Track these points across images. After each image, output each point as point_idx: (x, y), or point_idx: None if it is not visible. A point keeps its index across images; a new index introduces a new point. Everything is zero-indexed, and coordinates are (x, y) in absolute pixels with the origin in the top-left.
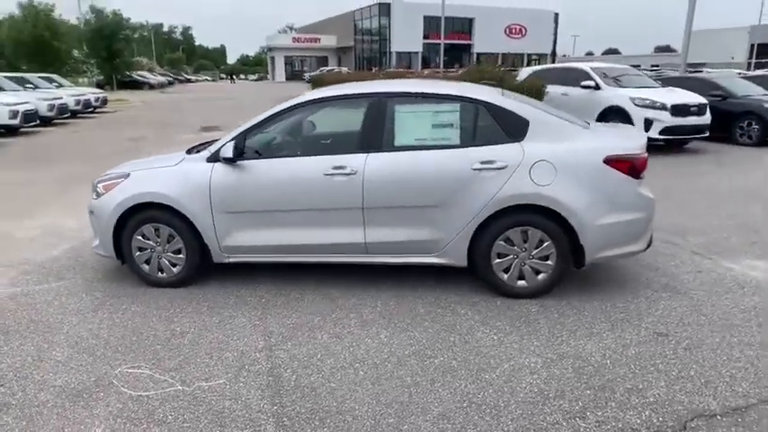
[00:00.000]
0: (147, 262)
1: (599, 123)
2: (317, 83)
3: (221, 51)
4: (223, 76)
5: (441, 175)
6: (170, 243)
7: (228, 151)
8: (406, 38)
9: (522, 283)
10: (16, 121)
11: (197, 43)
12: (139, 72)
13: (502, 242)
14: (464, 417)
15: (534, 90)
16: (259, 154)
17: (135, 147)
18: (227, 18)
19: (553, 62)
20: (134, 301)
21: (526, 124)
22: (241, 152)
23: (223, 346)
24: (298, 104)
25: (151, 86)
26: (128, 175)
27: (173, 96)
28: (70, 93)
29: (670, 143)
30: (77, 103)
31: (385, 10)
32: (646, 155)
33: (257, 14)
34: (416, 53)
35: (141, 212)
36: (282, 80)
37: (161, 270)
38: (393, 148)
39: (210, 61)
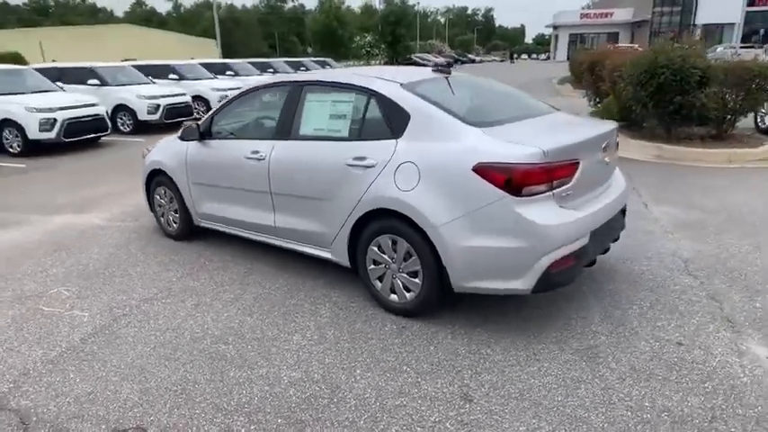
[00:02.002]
0: (163, 216)
1: (556, 116)
2: (573, 61)
3: (520, 31)
4: (516, 55)
5: (322, 168)
6: (171, 203)
7: (180, 132)
8: (719, 6)
9: (393, 297)
10: None
11: (497, 24)
12: (419, 54)
13: (375, 248)
14: (154, 395)
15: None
16: (233, 135)
17: None
18: None
19: None
20: (145, 244)
21: (407, 119)
22: (204, 133)
23: (130, 291)
24: (242, 92)
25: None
26: (155, 145)
27: None
28: None
29: None
30: None
31: None
32: (538, 165)
33: None
34: (731, 24)
35: (157, 176)
36: (563, 59)
37: (169, 224)
38: (297, 137)
39: (507, 41)
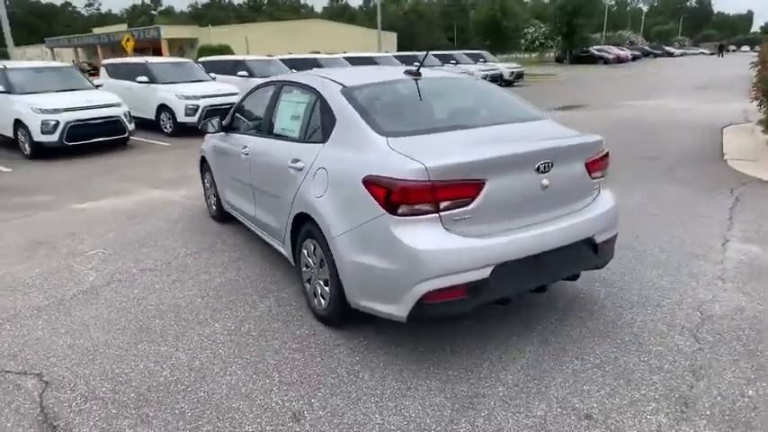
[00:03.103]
0: (208, 198)
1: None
2: None
3: (746, 18)
4: (733, 47)
5: (275, 166)
6: (211, 187)
7: (201, 124)
8: None
9: (316, 302)
10: None
11: (715, 11)
12: (600, 46)
13: (305, 251)
14: (73, 351)
15: None
16: (251, 130)
17: None
18: None
19: None
20: (190, 221)
21: (334, 123)
22: (226, 126)
23: (143, 260)
24: (251, 89)
25: (605, 61)
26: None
27: (611, 73)
28: (482, 67)
29: None
30: (484, 77)
31: None
32: (417, 183)
33: None
34: None
35: (204, 163)
36: None
37: (211, 206)
38: (270, 135)
39: (725, 30)
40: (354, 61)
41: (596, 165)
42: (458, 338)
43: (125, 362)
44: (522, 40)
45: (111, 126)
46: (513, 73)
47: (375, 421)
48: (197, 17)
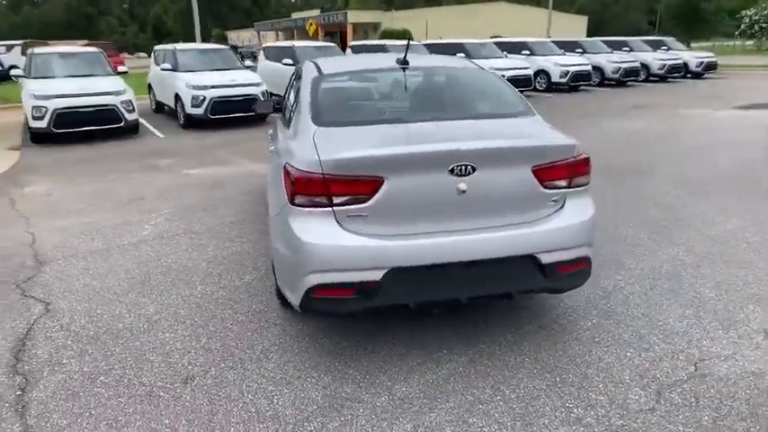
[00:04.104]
0: None
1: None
2: None
3: None
4: None
5: (269, 149)
6: None
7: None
8: None
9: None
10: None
11: None
12: None
13: None
14: (85, 290)
15: None
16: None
17: (627, 114)
18: None
19: None
20: (256, 194)
21: (296, 109)
22: (278, 108)
23: (195, 222)
24: (290, 77)
25: None
26: None
27: None
28: (661, 56)
29: None
30: (661, 67)
31: None
32: (310, 175)
33: None
34: None
35: None
36: None
37: None
38: (283, 118)
39: None
40: (503, 47)
41: (553, 173)
42: (388, 338)
43: (109, 305)
44: (741, 25)
45: (249, 104)
46: (702, 63)
47: (243, 400)
48: (389, 2)
